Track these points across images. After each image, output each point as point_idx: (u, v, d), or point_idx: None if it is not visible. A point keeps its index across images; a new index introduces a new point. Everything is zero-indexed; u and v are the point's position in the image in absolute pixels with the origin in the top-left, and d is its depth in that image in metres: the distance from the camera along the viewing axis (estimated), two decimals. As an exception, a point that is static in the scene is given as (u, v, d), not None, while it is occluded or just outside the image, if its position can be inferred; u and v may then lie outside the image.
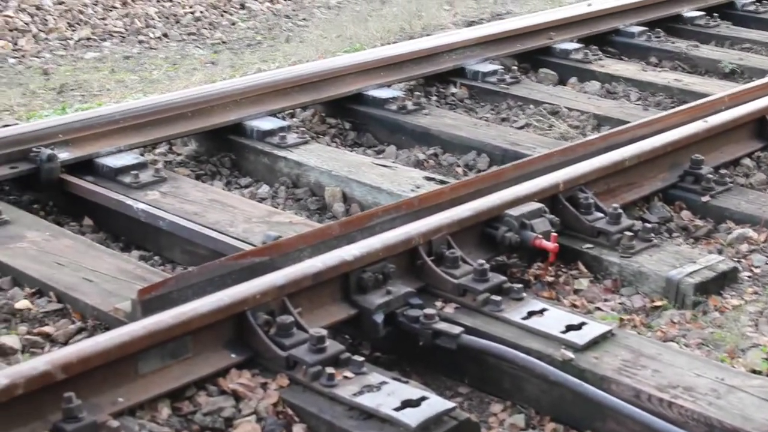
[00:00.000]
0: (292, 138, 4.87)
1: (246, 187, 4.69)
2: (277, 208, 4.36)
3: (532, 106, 5.62)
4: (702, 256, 3.83)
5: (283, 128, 4.93)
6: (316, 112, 5.49)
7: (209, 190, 4.40)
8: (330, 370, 2.96)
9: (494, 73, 5.90)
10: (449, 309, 3.38)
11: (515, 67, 6.15)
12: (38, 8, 7.77)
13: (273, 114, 5.10)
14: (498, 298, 3.37)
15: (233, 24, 7.75)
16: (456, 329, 3.19)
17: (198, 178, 4.70)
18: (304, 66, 5.60)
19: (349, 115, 5.44)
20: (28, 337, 3.38)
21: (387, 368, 3.13)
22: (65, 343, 3.32)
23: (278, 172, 4.71)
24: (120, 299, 3.40)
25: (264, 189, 4.64)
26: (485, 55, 6.08)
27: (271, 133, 4.89)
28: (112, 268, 3.68)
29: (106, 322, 3.37)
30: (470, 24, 7.51)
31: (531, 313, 3.32)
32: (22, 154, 4.40)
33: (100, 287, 3.55)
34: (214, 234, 3.92)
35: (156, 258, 4.02)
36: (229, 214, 4.12)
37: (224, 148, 4.96)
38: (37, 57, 6.81)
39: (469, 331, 3.22)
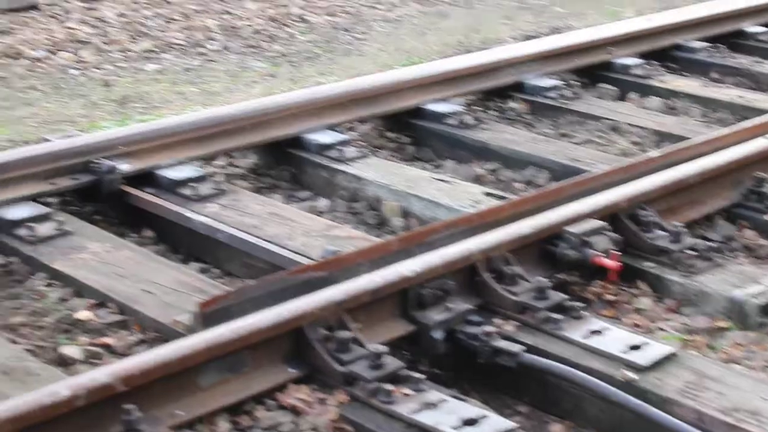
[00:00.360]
0: (350, 152, 4.87)
1: (305, 200, 4.70)
2: (335, 221, 4.36)
3: (591, 121, 5.57)
4: (766, 276, 3.77)
5: (341, 142, 4.93)
6: (375, 126, 5.49)
7: (268, 203, 4.41)
8: (389, 386, 2.95)
9: (553, 88, 5.86)
10: (509, 327, 3.35)
11: (574, 82, 6.11)
12: (100, 20, 7.86)
13: (331, 127, 5.10)
14: (558, 316, 3.34)
15: (292, 37, 7.78)
16: (516, 347, 3.17)
17: (257, 191, 4.72)
18: (362, 79, 5.60)
19: (407, 129, 5.43)
20: (88, 347, 3.40)
21: (446, 386, 3.11)
22: (125, 355, 3.33)
23: (337, 185, 4.71)
24: (179, 311, 3.41)
25: (322, 202, 4.64)
26: (544, 69, 6.04)
27: (329, 146, 4.89)
28: (171, 280, 3.70)
29: (165, 334, 3.38)
30: (528, 38, 7.46)
31: (592, 332, 3.29)
32: (84, 165, 4.43)
33: (159, 299, 3.57)
34: (272, 247, 3.93)
35: (215, 270, 4.04)
36: (288, 227, 4.12)
37: (283, 162, 4.97)
38: (98, 68, 6.88)
39: (529, 349, 3.19)
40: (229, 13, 8.25)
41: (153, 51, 7.28)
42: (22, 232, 4.02)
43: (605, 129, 5.48)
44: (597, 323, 3.35)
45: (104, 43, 7.39)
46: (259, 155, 5.05)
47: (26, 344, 3.43)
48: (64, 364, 3.33)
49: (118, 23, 7.82)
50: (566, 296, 3.44)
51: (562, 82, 5.97)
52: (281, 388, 3.03)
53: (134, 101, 6.17)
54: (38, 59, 7.00)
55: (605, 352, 3.18)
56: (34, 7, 8.06)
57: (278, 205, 4.43)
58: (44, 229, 4.04)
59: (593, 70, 6.31)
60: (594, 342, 3.23)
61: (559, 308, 3.38)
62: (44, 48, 7.19)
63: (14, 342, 3.43)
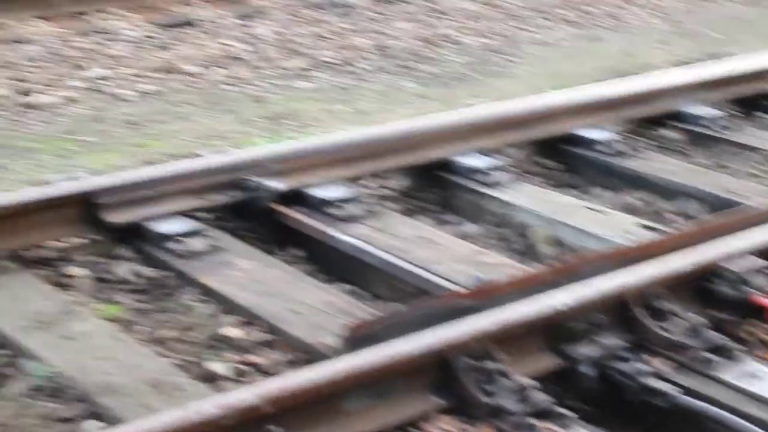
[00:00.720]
0: (500, 177, 4.81)
1: (453, 224, 4.65)
2: (483, 247, 4.30)
3: (751, 153, 5.40)
4: None
5: (491, 166, 4.87)
6: (526, 150, 5.42)
7: (416, 227, 4.38)
8: (535, 421, 2.88)
9: (711, 117, 5.70)
10: (661, 365, 3.25)
11: (734, 112, 5.93)
12: (254, 37, 7.98)
13: (481, 151, 5.05)
14: (714, 356, 3.22)
15: (444, 58, 7.77)
16: (668, 387, 3.07)
17: (405, 213, 4.69)
18: (513, 103, 5.54)
19: (559, 155, 5.34)
20: (235, 365, 3.42)
21: (595, 424, 3.02)
22: (272, 374, 3.34)
23: (485, 210, 4.66)
24: (326, 333, 3.41)
25: (471, 228, 4.59)
26: (701, 98, 5.88)
27: (479, 170, 4.84)
28: (319, 301, 3.70)
29: (312, 355, 3.38)
30: (684, 64, 7.29)
31: (749, 375, 3.16)
32: (235, 182, 4.48)
33: (307, 319, 3.57)
34: (420, 272, 3.90)
35: (362, 292, 4.02)
36: (436, 251, 4.08)
37: (432, 185, 4.94)
38: (251, 85, 6.98)
39: (683, 390, 3.09)
40: (381, 33, 8.29)
41: (306, 69, 7.35)
42: (173, 246, 4.08)
43: (765, 161, 5.30)
44: (755, 366, 3.22)
45: (258, 59, 7.50)
46: (408, 177, 5.03)
47: (174, 358, 3.47)
48: (211, 380, 3.35)
49: (272, 40, 7.94)
50: (722, 336, 3.32)
51: (721, 112, 5.80)
52: (426, 416, 2.99)
53: (286, 118, 6.22)
54: (193, 74, 7.14)
55: (764, 397, 3.06)
56: (189, 24, 8.25)
57: (426, 228, 4.40)
58: (195, 244, 4.10)
59: (754, 100, 6.11)
60: (752, 386, 3.11)
61: (714, 348, 3.26)
62: (199, 63, 7.34)
63: (163, 355, 3.47)
